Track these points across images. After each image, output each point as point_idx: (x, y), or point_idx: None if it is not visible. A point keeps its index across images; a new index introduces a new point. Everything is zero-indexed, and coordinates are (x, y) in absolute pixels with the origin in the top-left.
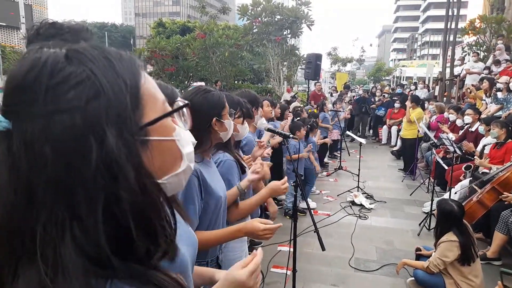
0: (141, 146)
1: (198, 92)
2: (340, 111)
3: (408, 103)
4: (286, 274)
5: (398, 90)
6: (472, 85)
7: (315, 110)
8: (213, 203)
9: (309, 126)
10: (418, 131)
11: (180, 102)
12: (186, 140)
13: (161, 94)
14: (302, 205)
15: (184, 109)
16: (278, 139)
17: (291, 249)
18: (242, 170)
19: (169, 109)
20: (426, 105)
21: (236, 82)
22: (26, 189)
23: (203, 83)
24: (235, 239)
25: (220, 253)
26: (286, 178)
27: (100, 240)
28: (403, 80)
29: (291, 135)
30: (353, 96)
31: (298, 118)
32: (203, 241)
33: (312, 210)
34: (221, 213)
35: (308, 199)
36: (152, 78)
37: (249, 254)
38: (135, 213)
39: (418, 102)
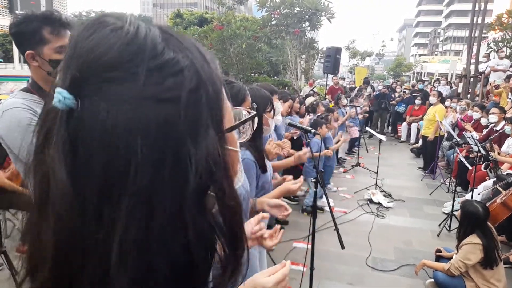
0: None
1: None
2: (359, 106)
3: (433, 99)
4: (303, 271)
5: (420, 86)
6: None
7: (331, 105)
8: None
9: (325, 122)
10: (440, 129)
11: (244, 111)
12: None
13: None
14: (319, 202)
15: (253, 123)
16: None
17: (308, 246)
18: (263, 170)
19: (234, 119)
20: (448, 102)
21: (252, 74)
22: (100, 187)
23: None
24: None
25: None
26: (301, 178)
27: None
28: (424, 76)
29: (313, 130)
30: (372, 92)
31: (319, 115)
32: None
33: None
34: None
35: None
36: None
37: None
38: (232, 219)
39: (442, 99)
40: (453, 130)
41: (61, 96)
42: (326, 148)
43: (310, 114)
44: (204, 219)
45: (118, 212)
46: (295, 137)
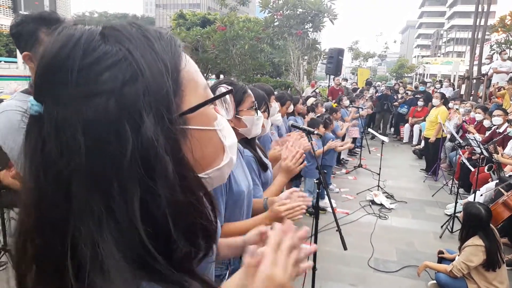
0: (181, 136)
1: (218, 84)
2: (360, 108)
3: (436, 101)
4: (306, 272)
5: (421, 88)
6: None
7: (334, 105)
8: (235, 197)
9: (322, 122)
10: (442, 130)
11: (223, 88)
12: (228, 131)
13: (203, 78)
14: (321, 203)
15: (227, 97)
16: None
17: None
18: (264, 168)
19: (211, 95)
20: (451, 104)
21: (255, 75)
22: (58, 178)
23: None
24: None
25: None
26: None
27: (137, 237)
28: (426, 78)
29: (315, 131)
30: (375, 93)
31: (318, 115)
32: (227, 232)
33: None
34: (244, 208)
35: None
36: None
37: None
38: (174, 209)
39: (445, 101)
40: (458, 131)
41: (30, 104)
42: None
43: (311, 113)
44: (152, 204)
45: (75, 198)
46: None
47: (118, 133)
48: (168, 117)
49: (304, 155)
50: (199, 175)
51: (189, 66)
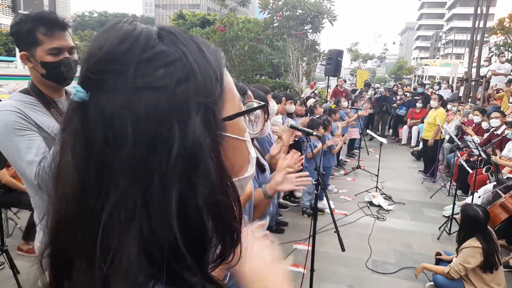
0: (221, 139)
1: None
2: (359, 109)
3: (434, 103)
4: (304, 273)
5: (419, 90)
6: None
7: (333, 106)
8: None
9: (322, 123)
10: (441, 132)
11: (255, 103)
12: (251, 145)
13: (237, 92)
14: (319, 204)
15: (261, 115)
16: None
17: (309, 248)
18: (261, 169)
19: (243, 108)
20: (449, 106)
21: (254, 76)
22: (99, 166)
23: None
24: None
25: None
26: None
27: (167, 234)
28: (425, 79)
29: (314, 132)
30: (374, 94)
31: (318, 116)
32: None
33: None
34: (246, 210)
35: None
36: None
37: None
38: (213, 209)
39: (444, 102)
40: (459, 133)
41: (75, 90)
42: (327, 150)
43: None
44: (191, 203)
45: (113, 187)
46: (296, 139)
47: (166, 129)
48: (215, 120)
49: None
50: None
51: (228, 77)
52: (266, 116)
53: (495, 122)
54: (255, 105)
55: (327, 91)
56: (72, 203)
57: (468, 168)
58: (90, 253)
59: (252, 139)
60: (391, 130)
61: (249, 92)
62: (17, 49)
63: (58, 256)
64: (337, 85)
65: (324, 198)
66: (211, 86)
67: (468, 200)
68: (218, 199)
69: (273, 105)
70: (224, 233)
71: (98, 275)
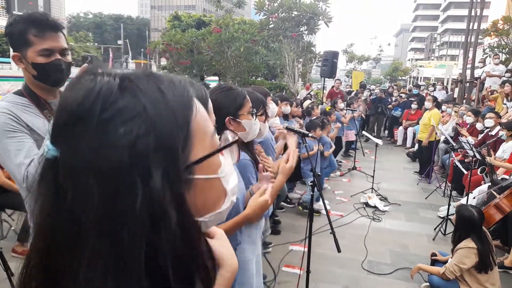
0: (186, 186)
1: (219, 89)
2: (355, 110)
3: (428, 104)
4: (299, 274)
5: (414, 91)
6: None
7: (327, 108)
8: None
9: (320, 124)
10: (436, 133)
11: (229, 134)
12: (230, 174)
13: (211, 125)
14: (315, 205)
15: (235, 147)
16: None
17: (305, 249)
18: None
19: (218, 142)
20: (444, 107)
21: (250, 77)
22: (71, 221)
23: (216, 78)
24: (245, 223)
25: None
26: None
27: (138, 285)
28: (420, 81)
29: (310, 134)
30: (369, 95)
31: (314, 118)
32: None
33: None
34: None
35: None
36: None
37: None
38: (175, 262)
39: (438, 104)
40: (456, 134)
41: (47, 149)
42: (322, 152)
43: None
44: (157, 252)
45: (85, 244)
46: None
47: (129, 185)
48: (176, 170)
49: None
50: (200, 219)
51: (199, 115)
52: (264, 118)
53: (488, 122)
54: (230, 137)
55: (323, 93)
56: (42, 253)
57: (463, 169)
58: None
59: (252, 141)
60: (386, 131)
61: (247, 97)
62: (11, 50)
63: None
64: (333, 86)
65: (320, 199)
66: (171, 137)
67: (463, 201)
68: (180, 253)
69: (272, 108)
70: (189, 282)
71: None
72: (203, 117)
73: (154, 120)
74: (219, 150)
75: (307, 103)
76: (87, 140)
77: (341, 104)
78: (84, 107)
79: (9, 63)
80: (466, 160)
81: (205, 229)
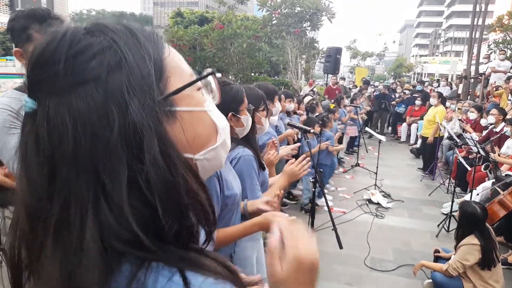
0: (169, 117)
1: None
2: (359, 106)
3: (434, 100)
4: None
5: (418, 87)
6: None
7: (331, 106)
8: (230, 201)
9: (321, 121)
10: (440, 129)
11: (206, 71)
12: (219, 114)
13: (188, 66)
14: (318, 201)
15: (212, 83)
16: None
17: None
18: (262, 167)
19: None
20: (448, 103)
21: (253, 74)
22: (50, 167)
23: (219, 75)
24: (252, 233)
25: (233, 252)
26: (301, 158)
27: (127, 216)
28: (424, 77)
29: (311, 130)
30: (373, 92)
31: (317, 114)
32: (220, 238)
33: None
34: (238, 212)
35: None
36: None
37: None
38: (162, 189)
39: (443, 100)
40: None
41: (24, 102)
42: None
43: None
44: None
45: (62, 187)
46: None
47: (105, 117)
48: (152, 99)
49: (310, 160)
50: (195, 156)
51: (173, 55)
52: (266, 113)
53: (491, 118)
54: (209, 79)
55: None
56: (27, 209)
57: (466, 166)
58: (51, 251)
59: (254, 137)
60: (390, 128)
61: (245, 100)
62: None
63: (17, 261)
64: (328, 84)
65: (323, 196)
66: (144, 66)
67: (467, 197)
68: (167, 178)
69: (277, 107)
70: (182, 213)
71: (63, 272)
72: (177, 57)
73: (125, 52)
74: (196, 80)
75: (307, 99)
76: (58, 80)
77: (346, 101)
78: (51, 48)
79: (13, 60)
80: (470, 157)
81: (204, 172)
